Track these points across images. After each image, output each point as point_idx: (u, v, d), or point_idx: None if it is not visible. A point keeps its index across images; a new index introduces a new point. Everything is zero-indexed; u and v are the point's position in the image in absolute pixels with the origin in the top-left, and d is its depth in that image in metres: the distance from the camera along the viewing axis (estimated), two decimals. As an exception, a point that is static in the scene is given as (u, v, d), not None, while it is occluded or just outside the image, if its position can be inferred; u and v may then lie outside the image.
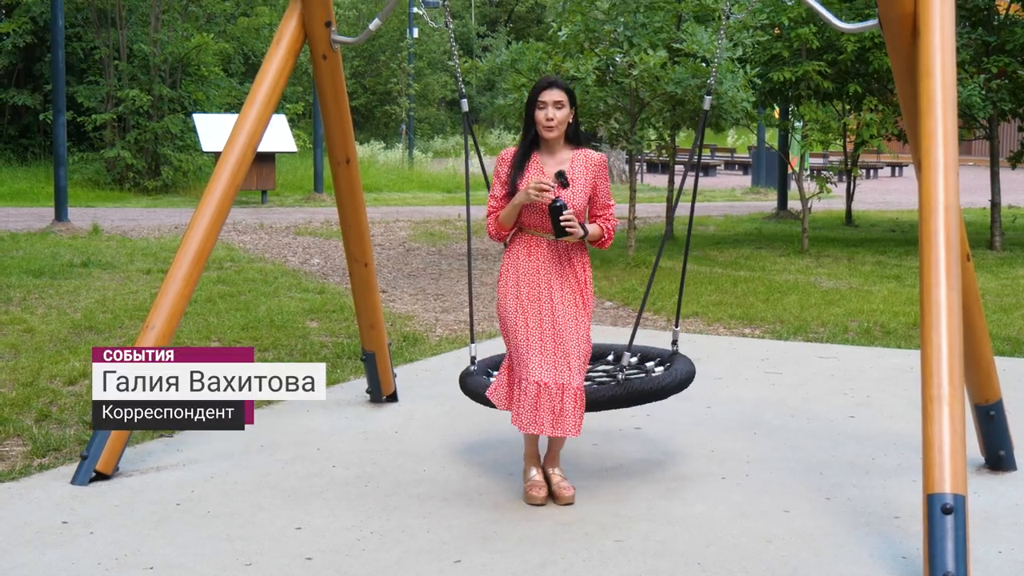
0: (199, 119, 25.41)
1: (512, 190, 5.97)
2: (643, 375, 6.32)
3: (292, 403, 8.02)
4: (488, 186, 6.23)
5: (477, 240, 18.00)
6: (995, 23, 17.63)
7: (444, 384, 8.35)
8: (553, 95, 5.93)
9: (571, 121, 6.03)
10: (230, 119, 24.33)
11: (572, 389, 5.77)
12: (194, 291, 6.67)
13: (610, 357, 6.76)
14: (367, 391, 8.06)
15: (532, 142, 6.05)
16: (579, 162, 6.02)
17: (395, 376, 8.11)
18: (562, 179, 5.88)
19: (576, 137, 6.10)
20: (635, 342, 6.38)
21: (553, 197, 5.75)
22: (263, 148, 6.78)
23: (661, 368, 6.44)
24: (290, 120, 29.22)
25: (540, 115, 5.95)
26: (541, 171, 5.97)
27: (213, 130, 24.43)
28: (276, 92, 6.87)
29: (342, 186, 7.38)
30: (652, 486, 6.22)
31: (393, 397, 8.06)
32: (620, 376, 6.08)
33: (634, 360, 6.56)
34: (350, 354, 9.47)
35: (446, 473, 6.44)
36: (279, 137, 24.85)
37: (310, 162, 29.09)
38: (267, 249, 17.12)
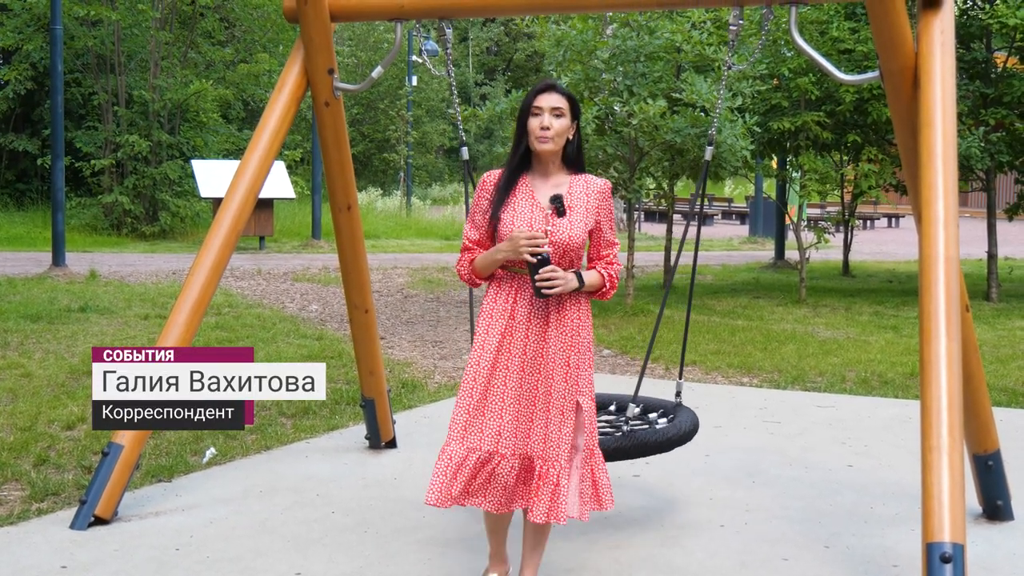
0: (197, 165, 25.47)
1: (495, 219, 5.01)
2: (647, 427, 6.28)
3: (292, 449, 8.04)
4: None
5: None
6: (993, 76, 17.73)
7: (443, 431, 8.29)
8: (551, 100, 4.95)
9: (571, 138, 5.06)
10: (228, 165, 24.43)
11: (563, 465, 4.91)
12: (194, 337, 6.67)
13: (612, 407, 6.67)
14: (366, 437, 8.05)
15: (521, 162, 5.06)
16: (579, 187, 5.04)
17: (394, 423, 8.11)
18: (558, 204, 4.93)
19: (577, 160, 5.12)
20: (636, 392, 6.34)
21: (547, 251, 4.82)
22: (262, 194, 6.81)
23: (665, 420, 6.39)
24: (288, 167, 29.31)
25: (534, 123, 4.96)
26: (532, 195, 5.00)
27: (211, 176, 24.50)
28: (278, 139, 6.90)
29: (343, 232, 7.39)
30: (652, 534, 6.21)
31: (392, 443, 8.06)
32: (625, 428, 6.05)
33: (637, 411, 6.40)
34: (349, 400, 9.47)
35: (445, 520, 6.42)
36: (278, 183, 24.90)
37: (308, 209, 29.17)
38: (265, 295, 17.12)
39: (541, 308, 4.94)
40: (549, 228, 4.91)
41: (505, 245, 4.87)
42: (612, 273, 5.12)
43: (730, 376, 11.26)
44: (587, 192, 5.03)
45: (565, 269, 4.94)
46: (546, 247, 4.83)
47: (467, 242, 5.12)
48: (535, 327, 4.94)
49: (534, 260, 4.78)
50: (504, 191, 5.02)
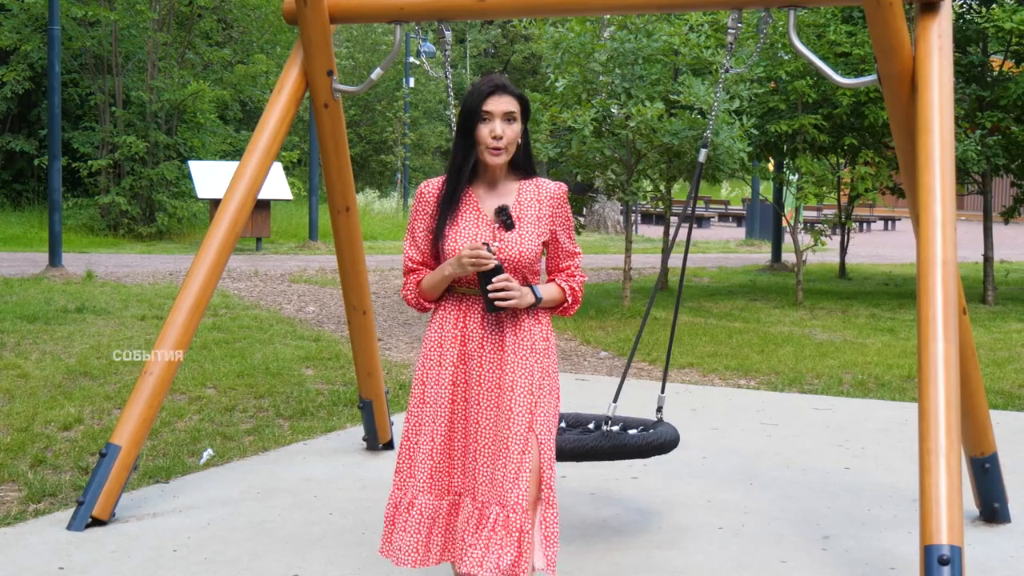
0: (194, 166, 25.44)
1: (439, 236, 4.46)
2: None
3: (289, 450, 8.03)
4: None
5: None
6: (989, 79, 17.75)
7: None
8: (503, 104, 4.40)
9: (521, 141, 4.50)
10: (225, 166, 24.42)
11: (525, 510, 4.26)
12: (192, 339, 6.67)
13: (591, 425, 6.43)
14: (364, 439, 8.05)
15: (463, 170, 4.48)
16: (529, 194, 4.49)
17: (392, 424, 8.11)
18: (504, 217, 4.41)
19: (527, 164, 4.55)
20: (621, 405, 6.20)
21: (493, 264, 4.28)
22: (259, 196, 6.74)
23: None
24: (285, 168, 29.30)
25: (484, 131, 4.39)
26: (476, 208, 4.46)
27: (209, 177, 24.45)
28: (277, 141, 6.90)
29: (341, 234, 7.39)
30: (650, 536, 6.22)
31: (390, 445, 8.05)
32: (604, 427, 5.97)
33: (616, 428, 6.04)
34: (346, 401, 9.46)
35: (443, 522, 6.42)
36: (275, 185, 24.85)
37: (305, 210, 29.16)
38: (262, 296, 17.12)
39: (495, 330, 4.40)
40: (496, 244, 4.37)
41: (451, 261, 4.35)
42: (574, 286, 4.58)
43: (727, 378, 11.26)
44: (538, 198, 4.48)
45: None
46: (494, 258, 4.30)
47: (410, 264, 4.56)
48: (489, 352, 4.40)
49: (490, 265, 4.27)
50: (448, 205, 4.46)
